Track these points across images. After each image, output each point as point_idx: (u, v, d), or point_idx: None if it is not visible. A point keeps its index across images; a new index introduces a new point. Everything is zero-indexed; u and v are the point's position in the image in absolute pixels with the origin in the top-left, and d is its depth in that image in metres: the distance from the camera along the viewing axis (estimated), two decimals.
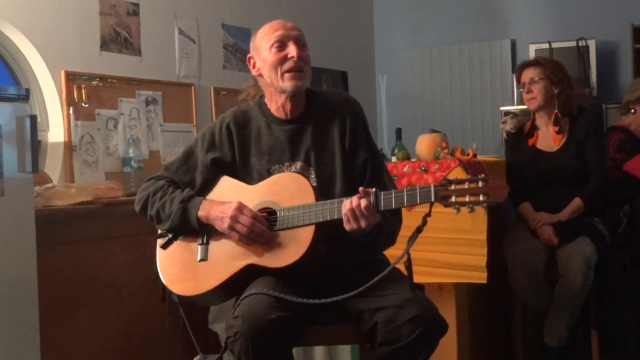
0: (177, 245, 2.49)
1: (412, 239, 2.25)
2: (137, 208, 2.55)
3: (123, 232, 3.53)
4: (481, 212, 3.32)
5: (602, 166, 3.78)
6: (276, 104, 2.51)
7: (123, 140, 4.22)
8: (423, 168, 3.44)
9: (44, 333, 3.00)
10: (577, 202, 3.67)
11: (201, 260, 2.42)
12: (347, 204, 2.24)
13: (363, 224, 2.23)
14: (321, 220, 2.29)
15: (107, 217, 3.46)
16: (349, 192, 2.35)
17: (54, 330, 3.15)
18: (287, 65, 2.43)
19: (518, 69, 3.94)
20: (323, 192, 2.39)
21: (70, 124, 3.95)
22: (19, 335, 2.89)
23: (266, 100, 2.55)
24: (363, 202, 2.22)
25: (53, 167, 3.93)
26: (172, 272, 2.47)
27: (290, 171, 2.45)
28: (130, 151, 4.18)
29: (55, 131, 3.96)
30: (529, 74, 3.81)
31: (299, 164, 2.46)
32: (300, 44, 2.46)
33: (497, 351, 3.93)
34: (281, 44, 2.44)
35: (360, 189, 2.26)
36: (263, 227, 2.34)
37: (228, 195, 2.45)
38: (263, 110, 2.54)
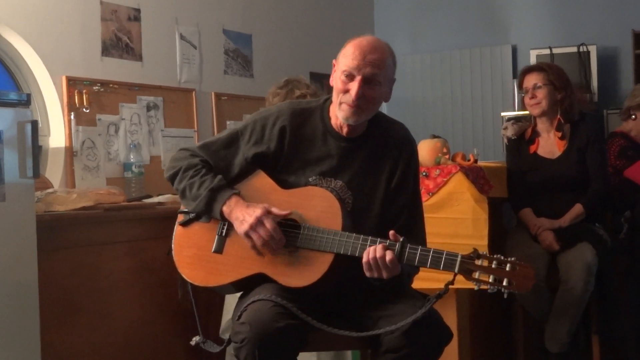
0: (197, 227, 2.45)
1: (431, 302, 2.23)
2: (165, 175, 2.50)
3: (124, 237, 3.52)
4: (482, 218, 3.32)
5: (603, 172, 3.78)
6: (335, 119, 2.43)
7: (124, 146, 4.22)
8: (424, 174, 3.44)
9: (44, 338, 2.99)
10: (578, 208, 3.67)
11: (215, 251, 2.39)
12: (371, 252, 2.19)
13: (385, 274, 2.21)
14: (342, 252, 2.25)
15: (108, 222, 3.45)
16: (379, 230, 2.30)
17: (55, 335, 3.15)
18: (345, 98, 2.35)
19: (521, 74, 3.93)
20: (354, 220, 2.34)
21: (71, 129, 3.95)
22: (20, 340, 2.89)
23: (331, 107, 2.46)
24: (388, 256, 2.18)
25: (54, 172, 3.93)
26: (185, 254, 2.44)
27: (330, 187, 2.39)
28: (132, 156, 4.18)
29: (57, 136, 3.96)
30: (532, 79, 3.80)
31: (339, 183, 2.39)
32: (370, 82, 2.33)
33: (498, 357, 3.92)
34: (349, 76, 2.35)
35: (391, 232, 2.21)
36: (276, 245, 2.29)
37: (259, 194, 2.40)
38: (323, 117, 2.46)
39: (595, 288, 3.51)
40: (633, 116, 4.19)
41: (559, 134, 3.79)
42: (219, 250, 2.39)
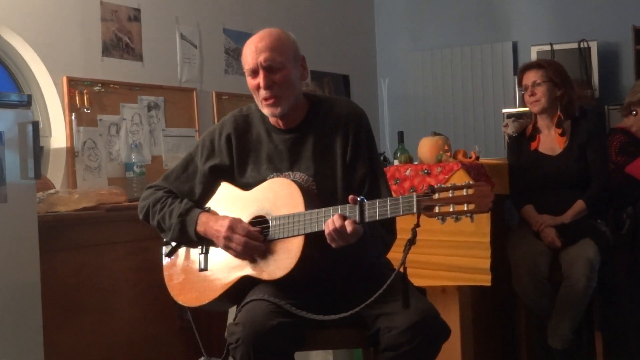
0: (181, 253, 2.52)
1: (406, 251, 2.20)
2: (140, 216, 2.58)
3: (126, 237, 3.53)
4: (484, 215, 3.32)
5: (605, 168, 3.77)
6: (270, 117, 2.49)
7: (125, 146, 4.22)
8: (425, 171, 3.44)
9: (47, 338, 3.00)
10: (580, 204, 3.67)
11: (201, 270, 2.44)
12: (330, 224, 2.19)
13: (350, 241, 2.21)
14: (310, 231, 2.27)
15: (109, 222, 3.46)
16: None
17: (57, 335, 3.16)
18: (260, 94, 2.41)
19: (519, 71, 3.93)
20: (325, 203, 2.35)
21: (72, 130, 3.95)
22: (23, 341, 2.89)
23: None
24: (349, 227, 2.17)
25: (55, 173, 3.93)
26: (176, 282, 2.50)
27: (291, 180, 2.41)
28: (133, 156, 4.19)
29: (58, 137, 3.97)
30: (531, 76, 3.80)
31: (297, 174, 2.43)
32: (272, 68, 2.39)
33: (500, 354, 3.92)
34: (253, 73, 2.42)
35: (350, 197, 2.22)
36: (256, 243, 2.33)
37: (226, 204, 2.47)
38: (263, 117, 2.52)
39: (598, 284, 3.51)
40: (634, 112, 4.18)
41: (560, 131, 3.79)
42: (205, 267, 2.44)
